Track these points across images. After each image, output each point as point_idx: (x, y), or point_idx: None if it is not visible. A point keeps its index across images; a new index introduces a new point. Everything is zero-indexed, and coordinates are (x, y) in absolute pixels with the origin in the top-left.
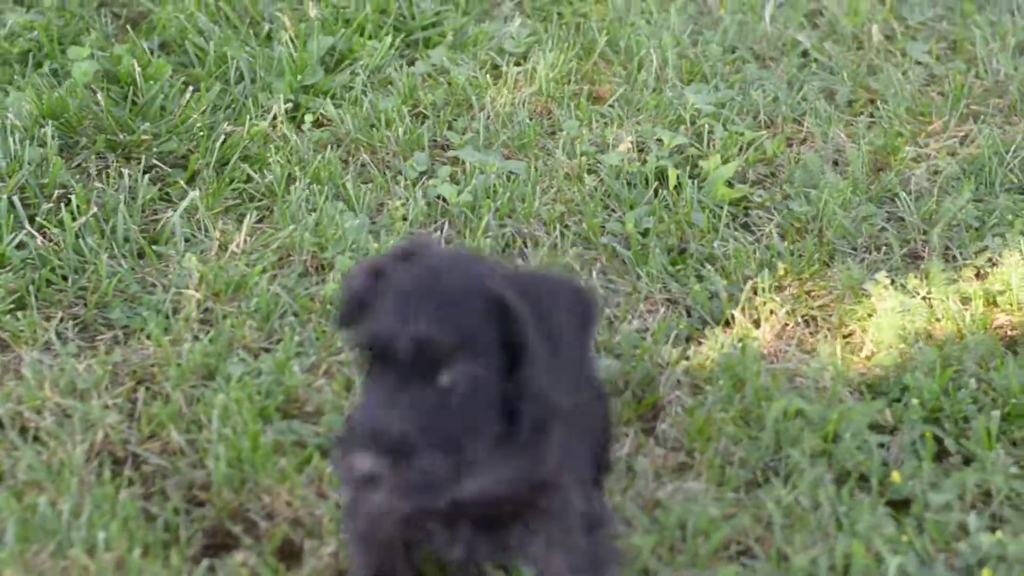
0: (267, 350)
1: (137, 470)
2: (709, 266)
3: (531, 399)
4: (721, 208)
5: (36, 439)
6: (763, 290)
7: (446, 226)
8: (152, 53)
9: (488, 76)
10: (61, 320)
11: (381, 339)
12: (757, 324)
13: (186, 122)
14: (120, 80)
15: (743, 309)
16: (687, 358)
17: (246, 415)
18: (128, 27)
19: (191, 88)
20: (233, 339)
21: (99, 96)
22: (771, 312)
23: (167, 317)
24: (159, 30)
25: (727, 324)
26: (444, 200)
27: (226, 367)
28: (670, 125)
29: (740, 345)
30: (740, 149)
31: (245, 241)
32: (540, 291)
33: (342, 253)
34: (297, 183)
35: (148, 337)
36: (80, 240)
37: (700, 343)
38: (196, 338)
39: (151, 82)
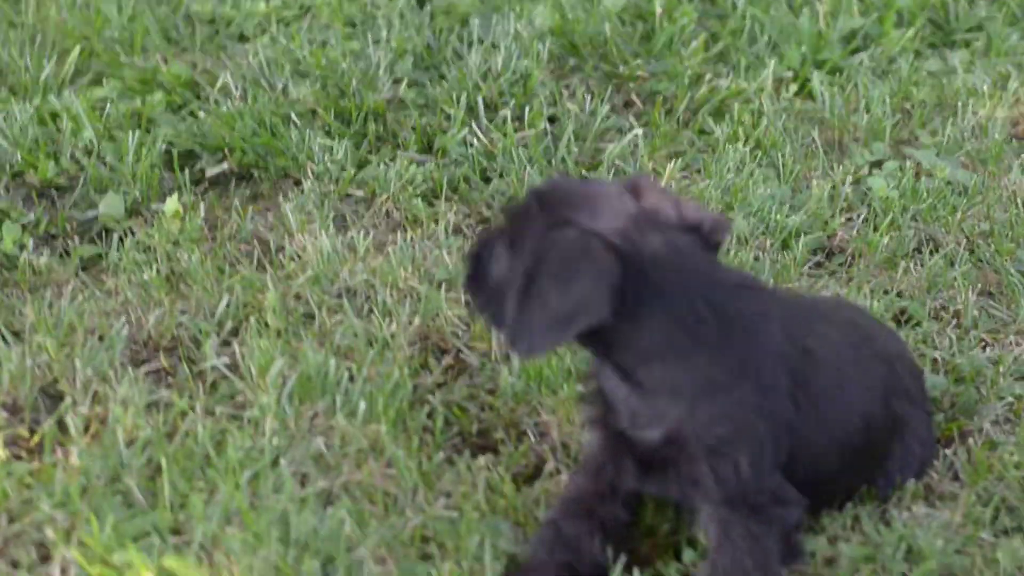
0: None
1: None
2: None
3: None
4: None
5: (371, 312)
6: None
7: (859, 219)
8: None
9: (989, 87)
10: (466, 217)
11: None
12: None
13: (682, 66)
14: (644, 18)
15: None
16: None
17: None
18: None
19: (704, 35)
20: None
21: (607, 27)
22: None
23: None
24: None
25: None
26: (870, 192)
27: None
28: None
29: None
30: None
31: (669, 184)
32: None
33: (748, 217)
34: (740, 144)
35: None
36: (515, 150)
37: None
38: None
39: (670, 24)
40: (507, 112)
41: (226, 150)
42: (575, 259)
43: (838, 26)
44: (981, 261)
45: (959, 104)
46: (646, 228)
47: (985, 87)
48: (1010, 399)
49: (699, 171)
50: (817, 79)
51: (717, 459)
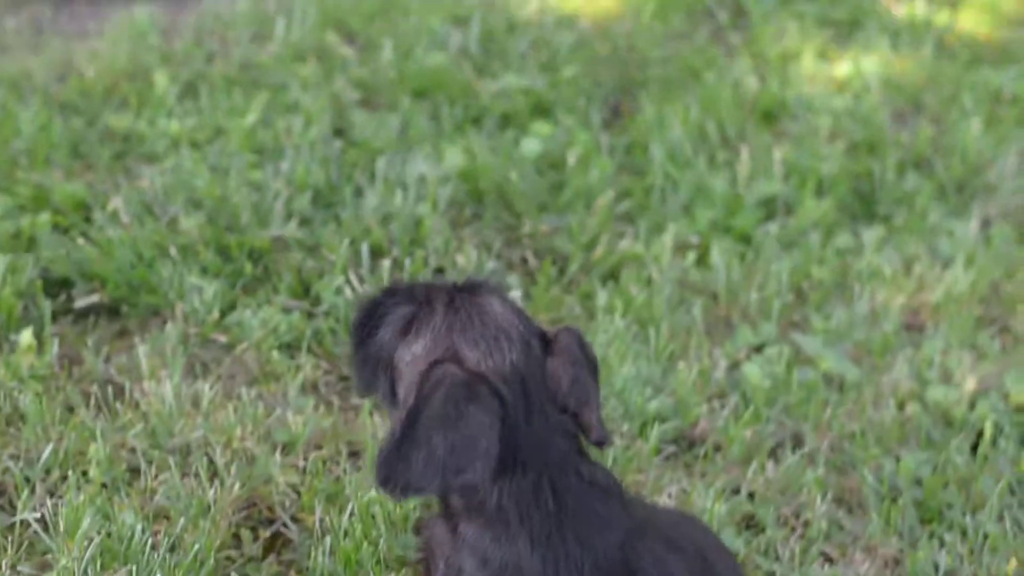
0: None
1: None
2: (958, 539)
3: None
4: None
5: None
6: None
7: (727, 406)
8: (610, 151)
9: (892, 271)
10: (327, 374)
11: None
12: None
13: (585, 224)
14: (557, 167)
15: None
16: None
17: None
18: (606, 120)
19: (613, 193)
20: None
21: (515, 175)
22: None
23: None
24: (632, 131)
25: None
26: (744, 379)
27: None
28: None
29: None
30: None
31: None
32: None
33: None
34: (616, 314)
35: None
36: None
37: None
38: None
39: (582, 176)
40: (388, 261)
41: (100, 281)
42: (462, 405)
43: (755, 190)
44: (843, 465)
45: (856, 287)
46: (531, 388)
47: (889, 271)
48: None
49: None
50: (719, 248)
51: None
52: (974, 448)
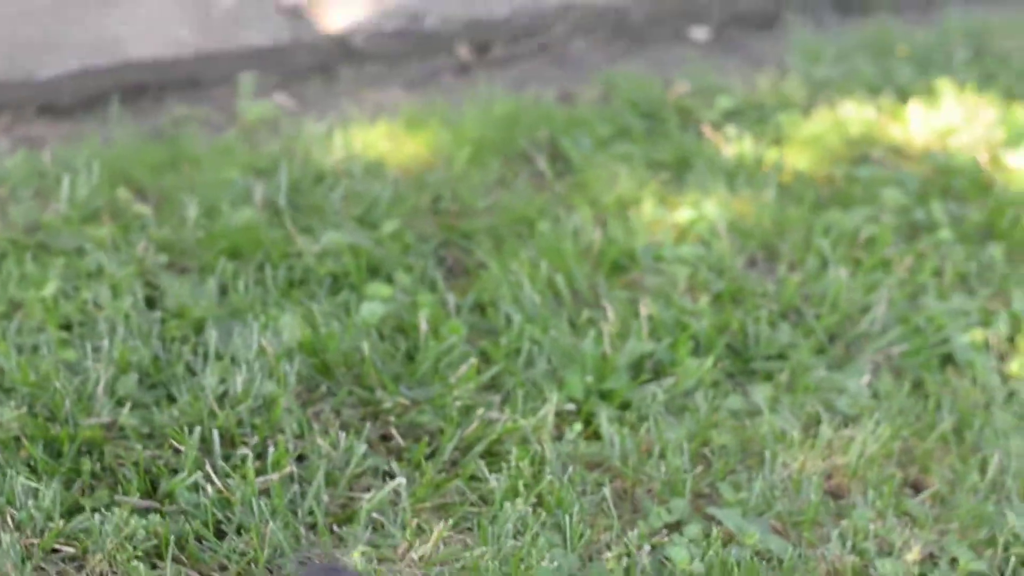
0: None
1: None
2: None
3: None
4: None
5: None
6: None
7: None
8: (458, 311)
9: (799, 433)
10: None
11: None
12: None
13: (449, 396)
14: (406, 332)
15: None
16: None
17: None
18: (448, 276)
19: (475, 359)
20: None
21: (366, 346)
22: None
23: None
24: (477, 289)
25: None
26: (671, 563)
27: None
28: (976, 545)
29: None
30: None
31: (436, 548)
32: None
33: None
34: (519, 500)
35: None
36: (256, 500)
37: None
38: None
39: (436, 342)
40: (247, 451)
41: None
42: None
43: (626, 350)
44: None
45: (767, 453)
46: None
47: (795, 432)
48: None
49: (470, 529)
50: (604, 416)
51: None
52: None
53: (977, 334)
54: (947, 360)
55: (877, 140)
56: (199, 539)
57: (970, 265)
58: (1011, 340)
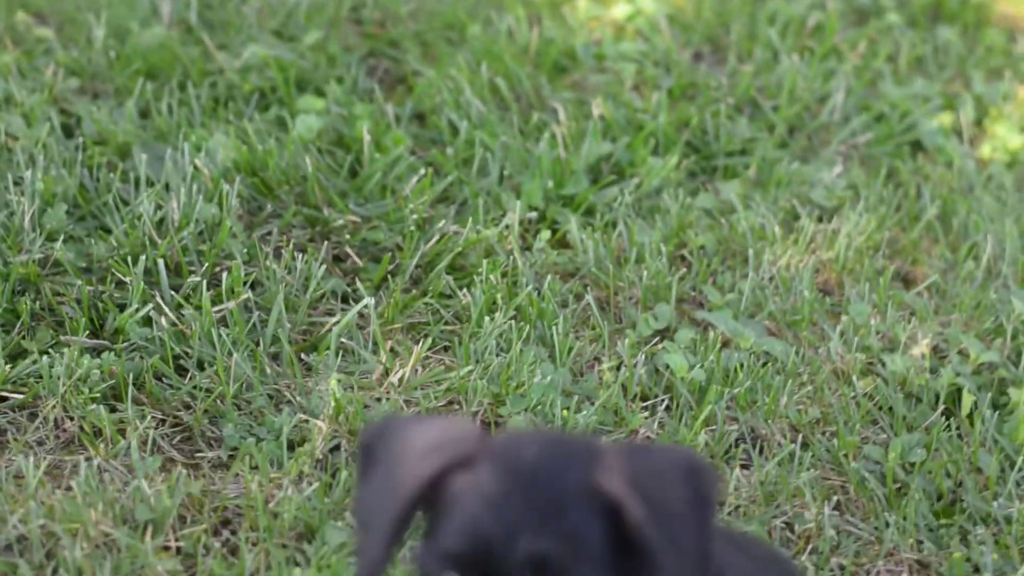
0: None
1: None
2: (982, 529)
3: None
4: (1019, 455)
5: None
6: None
7: (661, 407)
8: (397, 121)
9: (779, 228)
10: (160, 424)
11: (472, 555)
12: None
13: (403, 210)
14: (347, 146)
15: None
16: None
17: None
18: (380, 86)
19: (425, 170)
20: (349, 495)
21: (308, 161)
22: None
23: (283, 449)
24: (415, 97)
25: None
26: (669, 370)
27: (326, 531)
28: (984, 334)
29: None
30: None
31: (415, 372)
32: (654, 481)
33: (522, 413)
34: (498, 314)
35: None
36: (216, 330)
37: None
38: (303, 482)
39: (380, 154)
40: (198, 278)
41: None
42: None
43: (582, 152)
44: (820, 462)
45: (749, 251)
46: None
47: (776, 228)
48: None
49: (446, 348)
50: (573, 223)
51: None
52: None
53: (945, 118)
54: (917, 147)
55: None
56: (159, 377)
57: (924, 49)
58: (979, 124)
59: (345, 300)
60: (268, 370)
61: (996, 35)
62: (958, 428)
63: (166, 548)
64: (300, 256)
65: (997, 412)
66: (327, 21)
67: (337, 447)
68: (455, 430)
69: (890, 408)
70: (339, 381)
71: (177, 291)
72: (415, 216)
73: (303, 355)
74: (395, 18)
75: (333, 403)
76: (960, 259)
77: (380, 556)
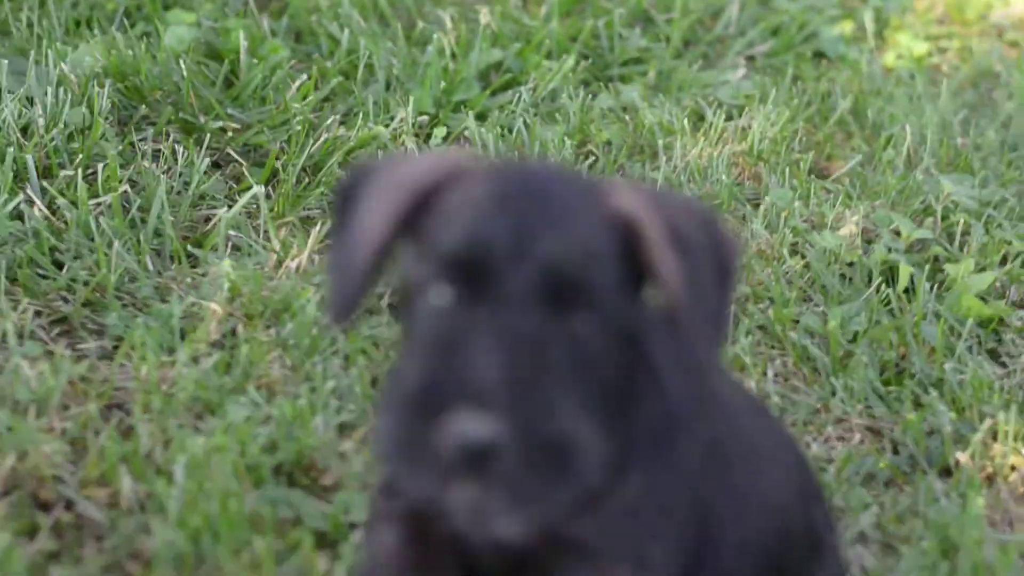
0: (294, 396)
1: (63, 522)
2: (934, 392)
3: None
4: (963, 325)
5: None
6: (1006, 435)
7: None
8: (273, 34)
9: (687, 123)
10: (38, 315)
11: (470, 259)
12: (990, 479)
13: (287, 115)
14: (221, 57)
15: (973, 456)
16: (881, 506)
17: (226, 469)
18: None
19: (308, 75)
20: (250, 373)
21: (183, 66)
22: (1012, 468)
23: (174, 334)
24: (291, 13)
25: (946, 471)
26: None
27: (228, 406)
28: (913, 215)
29: (961, 501)
30: (1004, 259)
31: (310, 260)
32: (679, 216)
33: None
34: None
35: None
36: (96, 220)
37: (902, 489)
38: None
39: (258, 62)
40: (73, 172)
41: None
42: None
43: (471, 60)
44: (756, 333)
45: (659, 143)
46: None
47: (685, 122)
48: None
49: None
50: (472, 121)
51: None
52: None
53: (846, 25)
54: (819, 56)
55: None
56: (34, 268)
57: None
58: (880, 35)
59: (232, 200)
60: (152, 266)
61: None
62: (893, 301)
63: (51, 430)
64: (180, 150)
65: (934, 288)
66: None
67: (234, 331)
68: (449, 153)
69: (823, 285)
70: (233, 266)
71: (52, 184)
72: (299, 118)
73: (190, 248)
74: None
75: (227, 284)
76: (879, 149)
77: (353, 293)
